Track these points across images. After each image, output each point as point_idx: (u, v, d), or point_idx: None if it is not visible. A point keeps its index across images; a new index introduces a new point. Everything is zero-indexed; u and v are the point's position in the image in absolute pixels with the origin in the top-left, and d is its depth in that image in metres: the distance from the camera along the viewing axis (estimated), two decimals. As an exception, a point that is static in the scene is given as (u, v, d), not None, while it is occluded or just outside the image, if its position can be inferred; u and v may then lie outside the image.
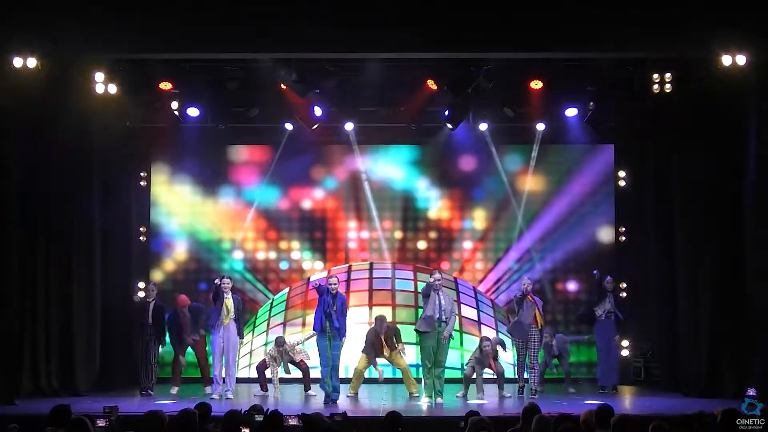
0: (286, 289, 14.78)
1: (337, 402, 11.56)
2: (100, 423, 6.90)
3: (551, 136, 14.31)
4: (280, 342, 12.53)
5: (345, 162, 14.97)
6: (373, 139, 14.71)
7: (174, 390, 12.60)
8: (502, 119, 13.94)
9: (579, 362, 14.14)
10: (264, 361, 12.66)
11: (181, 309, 12.86)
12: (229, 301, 12.10)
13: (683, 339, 12.71)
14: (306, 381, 12.55)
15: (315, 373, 12.33)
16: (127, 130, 13.88)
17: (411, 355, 13.13)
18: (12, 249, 11.76)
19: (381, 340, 12.32)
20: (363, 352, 12.43)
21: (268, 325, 13.98)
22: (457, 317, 12.34)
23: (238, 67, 12.59)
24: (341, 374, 12.00)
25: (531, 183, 14.84)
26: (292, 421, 7.01)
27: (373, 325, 12.68)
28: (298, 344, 12.62)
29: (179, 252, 14.81)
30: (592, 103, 13.40)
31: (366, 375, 12.63)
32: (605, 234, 14.80)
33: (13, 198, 11.81)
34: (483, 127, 14.11)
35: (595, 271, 13.13)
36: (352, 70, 12.62)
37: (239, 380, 12.84)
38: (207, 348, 12.83)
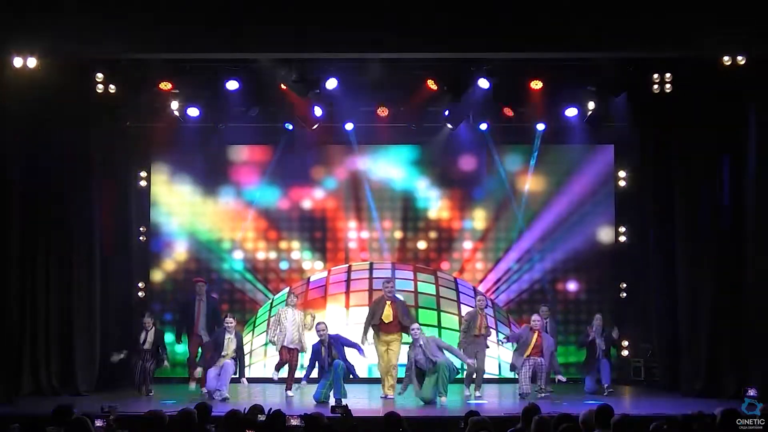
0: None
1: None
2: (100, 423, 6.90)
3: (551, 136, 14.31)
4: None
5: (345, 162, 14.97)
6: (373, 139, 14.72)
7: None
8: (502, 119, 13.95)
9: (568, 363, 14.13)
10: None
11: (199, 297, 13.05)
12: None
13: (683, 339, 12.70)
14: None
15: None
16: (127, 130, 13.89)
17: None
18: (12, 249, 11.76)
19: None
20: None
21: (268, 325, 13.94)
22: None
23: (238, 67, 12.59)
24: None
25: (531, 183, 14.85)
26: (294, 421, 7.00)
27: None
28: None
29: (179, 252, 14.82)
30: (592, 103, 13.41)
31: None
32: (605, 234, 14.80)
33: (13, 198, 11.80)
34: (483, 126, 14.12)
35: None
36: (352, 70, 12.62)
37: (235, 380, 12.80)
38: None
